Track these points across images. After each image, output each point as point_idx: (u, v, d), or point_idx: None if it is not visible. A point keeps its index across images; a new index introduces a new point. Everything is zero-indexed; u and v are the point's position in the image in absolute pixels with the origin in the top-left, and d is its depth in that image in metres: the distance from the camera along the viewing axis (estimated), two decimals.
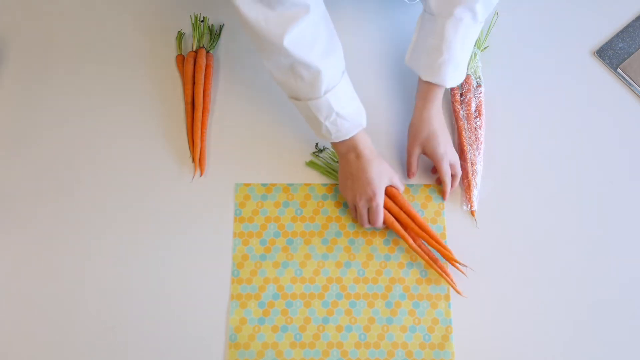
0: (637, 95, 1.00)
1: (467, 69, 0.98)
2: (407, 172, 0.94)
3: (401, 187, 0.91)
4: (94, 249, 0.91)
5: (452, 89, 0.98)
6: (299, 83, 0.82)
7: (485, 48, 1.01)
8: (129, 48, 1.03)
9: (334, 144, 0.89)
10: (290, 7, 0.75)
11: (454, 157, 0.91)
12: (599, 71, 1.02)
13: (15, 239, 0.92)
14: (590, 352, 0.87)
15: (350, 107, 0.86)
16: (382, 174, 0.88)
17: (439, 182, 0.94)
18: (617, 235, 0.93)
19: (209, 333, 0.88)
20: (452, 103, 0.98)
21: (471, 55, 0.99)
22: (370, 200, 0.87)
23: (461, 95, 0.98)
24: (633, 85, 1.00)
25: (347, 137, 0.86)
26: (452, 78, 0.89)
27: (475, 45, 1.00)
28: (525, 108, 1.00)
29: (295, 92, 0.83)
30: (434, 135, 0.90)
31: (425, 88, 0.91)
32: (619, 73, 1.01)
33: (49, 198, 0.94)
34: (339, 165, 0.91)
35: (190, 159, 0.96)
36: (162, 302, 0.89)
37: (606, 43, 1.03)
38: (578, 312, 0.89)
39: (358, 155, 0.87)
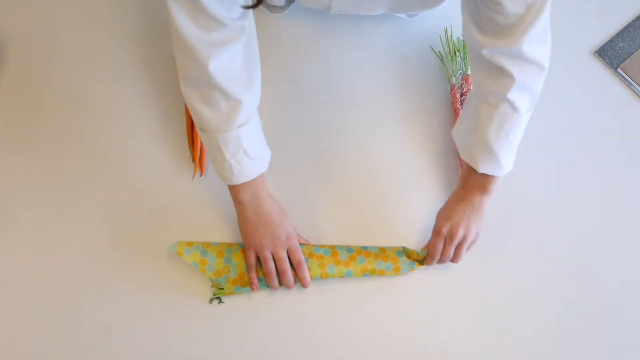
0: (637, 95, 1.00)
1: (468, 69, 0.97)
2: (431, 258, 0.87)
3: (296, 254, 0.86)
4: (93, 248, 0.91)
5: (452, 89, 0.98)
6: (214, 113, 0.78)
7: None
8: (129, 47, 1.03)
9: (233, 191, 0.84)
10: (226, 32, 0.72)
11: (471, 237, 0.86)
12: (599, 71, 1.02)
13: (14, 238, 0.92)
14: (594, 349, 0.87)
15: (258, 147, 0.83)
16: (285, 213, 0.87)
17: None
18: (617, 235, 0.93)
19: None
20: (453, 103, 0.98)
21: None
22: (289, 239, 0.85)
23: (461, 95, 0.98)
24: (633, 85, 1.00)
25: (249, 179, 0.82)
26: (487, 165, 0.82)
27: None
28: None
29: (207, 123, 0.79)
30: (452, 224, 0.85)
31: (468, 174, 0.85)
32: (619, 73, 1.01)
33: (49, 197, 0.94)
34: (238, 220, 0.87)
35: (190, 159, 0.96)
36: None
37: (606, 43, 1.03)
38: (579, 311, 0.89)
39: (262, 201, 0.84)
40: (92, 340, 0.87)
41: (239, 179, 0.82)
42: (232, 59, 0.75)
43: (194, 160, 0.95)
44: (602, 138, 0.98)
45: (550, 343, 0.88)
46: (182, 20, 0.70)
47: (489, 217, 0.92)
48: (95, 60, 1.02)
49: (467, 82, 0.98)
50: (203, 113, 0.78)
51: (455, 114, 0.97)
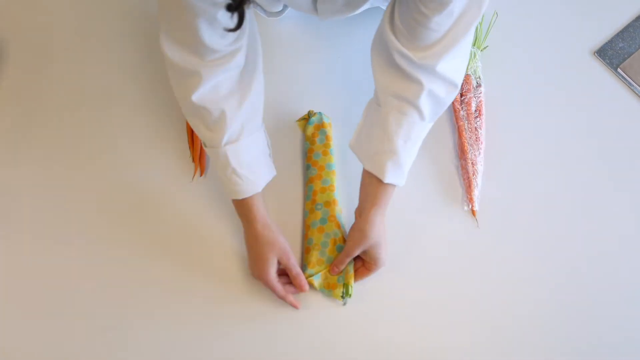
0: (637, 95, 1.00)
1: (467, 69, 0.97)
2: (332, 269, 0.86)
3: (293, 269, 0.84)
4: (93, 248, 0.91)
5: None
6: (205, 129, 0.79)
7: (485, 48, 1.01)
8: (128, 48, 1.03)
9: (234, 204, 0.85)
10: (219, 55, 0.73)
11: (384, 261, 0.85)
12: (599, 71, 1.02)
13: (14, 239, 0.92)
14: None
15: (253, 166, 0.82)
16: (273, 247, 0.83)
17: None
18: (617, 235, 0.93)
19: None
20: (453, 103, 0.98)
21: (471, 56, 0.99)
22: (261, 277, 0.83)
23: (461, 95, 0.98)
24: (633, 85, 1.00)
25: (238, 198, 0.82)
26: (392, 175, 0.80)
27: (475, 45, 1.00)
28: (525, 108, 1.00)
29: (201, 136, 0.81)
30: (379, 243, 0.83)
31: (375, 188, 0.81)
32: (619, 73, 1.01)
33: (49, 198, 0.94)
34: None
35: (191, 159, 0.96)
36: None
37: (606, 43, 1.03)
38: (578, 310, 0.89)
39: (250, 222, 0.83)
40: (92, 340, 0.87)
41: (229, 195, 0.83)
42: (224, 81, 0.76)
43: (194, 160, 0.95)
44: (602, 138, 0.98)
45: (549, 344, 0.88)
46: (175, 54, 0.73)
47: (489, 217, 0.93)
48: (95, 61, 1.03)
49: (466, 82, 0.98)
50: (196, 127, 0.81)
51: (455, 114, 0.97)
